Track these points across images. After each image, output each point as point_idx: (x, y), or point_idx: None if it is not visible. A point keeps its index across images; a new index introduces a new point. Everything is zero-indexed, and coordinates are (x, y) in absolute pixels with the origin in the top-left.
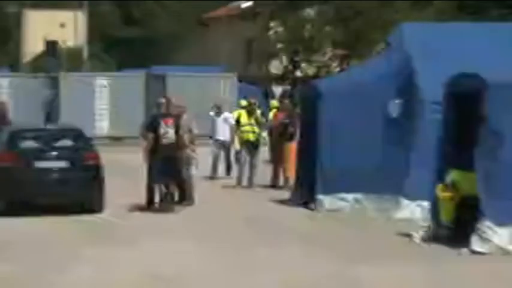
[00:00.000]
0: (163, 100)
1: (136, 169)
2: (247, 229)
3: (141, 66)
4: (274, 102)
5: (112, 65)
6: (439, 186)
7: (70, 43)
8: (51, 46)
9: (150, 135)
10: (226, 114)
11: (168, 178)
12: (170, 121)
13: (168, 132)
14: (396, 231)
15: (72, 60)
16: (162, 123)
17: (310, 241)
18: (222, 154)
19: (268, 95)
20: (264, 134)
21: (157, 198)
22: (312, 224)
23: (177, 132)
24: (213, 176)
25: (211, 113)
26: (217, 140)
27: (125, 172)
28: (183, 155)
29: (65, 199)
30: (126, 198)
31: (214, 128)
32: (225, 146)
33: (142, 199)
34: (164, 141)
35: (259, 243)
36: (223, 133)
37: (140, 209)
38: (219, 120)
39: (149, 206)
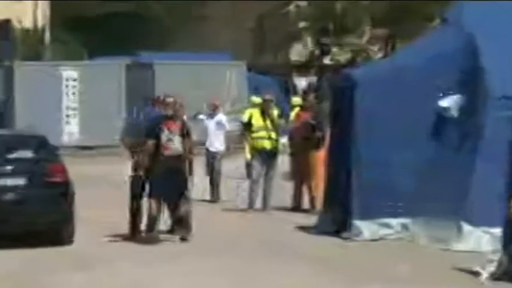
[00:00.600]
0: (171, 99)
1: (117, 186)
2: (263, 263)
3: (121, 52)
4: (297, 99)
5: (83, 51)
6: None
7: (27, 23)
8: (3, 26)
9: (151, 143)
10: (220, 116)
11: (171, 198)
12: (175, 126)
13: (172, 140)
14: (456, 267)
15: (31, 45)
16: (165, 129)
17: (343, 277)
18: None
19: (288, 90)
20: (284, 140)
21: (143, 225)
22: (346, 256)
23: (183, 140)
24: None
25: (201, 116)
26: (208, 151)
27: (102, 190)
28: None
29: (21, 227)
30: (104, 224)
31: (207, 135)
32: (216, 158)
33: (124, 226)
34: (167, 152)
35: (278, 278)
36: (217, 142)
37: (123, 238)
38: (211, 125)
39: (134, 234)
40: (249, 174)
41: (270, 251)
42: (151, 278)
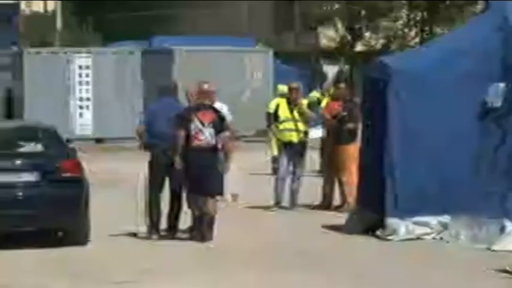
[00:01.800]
0: (206, 86)
1: (135, 183)
2: (294, 271)
3: (136, 37)
4: (315, 93)
5: (97, 36)
6: None
7: (37, 6)
8: (10, 11)
9: (181, 134)
10: (217, 104)
11: (203, 194)
12: (208, 117)
13: (202, 131)
14: (500, 269)
15: (40, 30)
16: (195, 120)
17: (377, 284)
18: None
19: (314, 78)
20: (316, 132)
21: (164, 224)
22: (378, 258)
23: (218, 132)
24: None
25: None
26: None
27: (119, 186)
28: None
29: (32, 226)
30: (121, 223)
31: None
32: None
33: (142, 225)
34: (196, 142)
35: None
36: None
37: (142, 237)
38: None
39: (152, 234)
40: (274, 170)
41: (299, 260)
42: None
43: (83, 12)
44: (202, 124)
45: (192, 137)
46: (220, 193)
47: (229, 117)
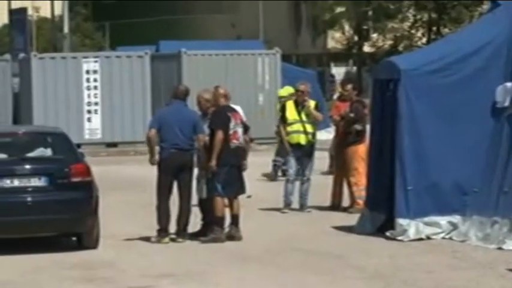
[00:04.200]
0: (222, 90)
1: (144, 186)
2: (309, 271)
3: (145, 42)
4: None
5: (104, 41)
6: None
7: (45, 11)
8: (19, 16)
9: (220, 134)
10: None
11: (232, 193)
12: (238, 117)
13: (237, 132)
14: (509, 268)
15: (48, 36)
16: (232, 119)
17: (392, 284)
18: None
19: (322, 80)
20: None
21: (174, 227)
22: (390, 259)
23: (244, 132)
24: None
25: None
26: None
27: (128, 191)
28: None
29: (42, 231)
30: (130, 227)
31: None
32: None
33: (153, 228)
34: (235, 142)
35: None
36: None
37: (154, 241)
38: None
39: (162, 237)
40: (283, 172)
41: (313, 260)
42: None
43: (92, 17)
44: (237, 124)
45: (229, 137)
46: (244, 192)
47: (244, 118)
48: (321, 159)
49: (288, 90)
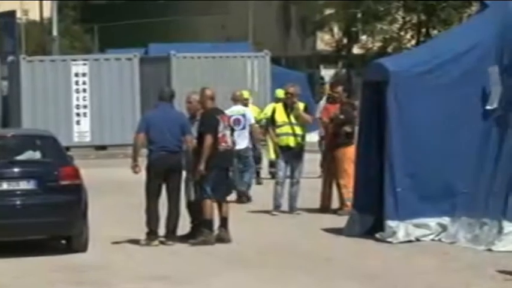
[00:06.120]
0: (209, 91)
1: (133, 189)
2: (294, 275)
3: (133, 44)
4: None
5: (93, 43)
6: None
7: (33, 15)
8: (8, 19)
9: (210, 137)
10: (242, 108)
11: (222, 196)
12: (226, 120)
13: (226, 135)
14: (498, 270)
15: (37, 38)
16: (221, 122)
17: (382, 286)
18: None
19: (311, 82)
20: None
21: (163, 230)
22: (380, 260)
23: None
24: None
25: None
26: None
27: (118, 193)
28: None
29: (31, 234)
30: (119, 230)
31: None
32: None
33: (142, 230)
34: (223, 145)
35: None
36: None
37: (143, 244)
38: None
39: (151, 240)
40: (272, 174)
41: (304, 262)
42: None
43: (80, 19)
44: (225, 127)
45: (218, 140)
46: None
47: (251, 121)
48: (310, 162)
49: (281, 92)
